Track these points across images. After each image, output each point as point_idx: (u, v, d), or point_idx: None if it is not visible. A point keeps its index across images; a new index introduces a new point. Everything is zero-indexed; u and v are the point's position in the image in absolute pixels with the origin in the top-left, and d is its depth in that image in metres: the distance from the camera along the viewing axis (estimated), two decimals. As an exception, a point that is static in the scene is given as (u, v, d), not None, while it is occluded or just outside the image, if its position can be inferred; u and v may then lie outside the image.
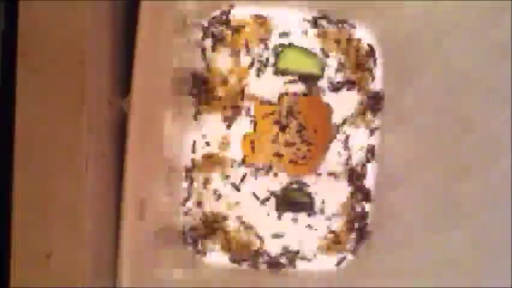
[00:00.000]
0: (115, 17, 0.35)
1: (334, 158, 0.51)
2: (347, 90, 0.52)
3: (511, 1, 0.34)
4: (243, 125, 0.50)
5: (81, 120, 0.30)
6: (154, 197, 0.39)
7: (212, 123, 0.50)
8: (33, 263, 0.30)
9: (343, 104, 0.51)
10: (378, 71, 0.52)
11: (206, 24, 0.50)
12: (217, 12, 0.50)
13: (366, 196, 0.51)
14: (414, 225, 0.44)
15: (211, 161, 0.50)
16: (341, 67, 0.51)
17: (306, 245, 0.51)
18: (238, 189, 0.51)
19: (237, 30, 0.51)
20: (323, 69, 0.51)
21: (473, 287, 0.35)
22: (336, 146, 0.51)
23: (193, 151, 0.50)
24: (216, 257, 0.50)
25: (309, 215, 0.51)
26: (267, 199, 0.51)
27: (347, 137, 0.51)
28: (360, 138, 0.52)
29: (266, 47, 0.51)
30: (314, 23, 0.51)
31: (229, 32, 0.51)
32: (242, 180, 0.51)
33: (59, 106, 0.30)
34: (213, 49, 0.51)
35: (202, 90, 0.50)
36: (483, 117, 0.37)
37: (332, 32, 0.51)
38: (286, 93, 0.51)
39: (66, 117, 0.30)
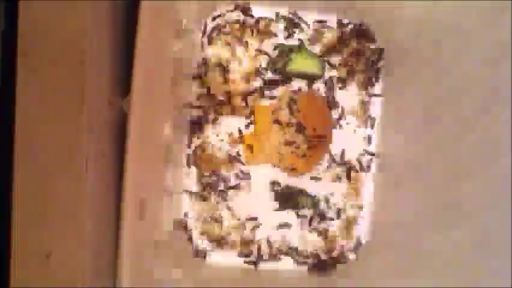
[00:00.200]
0: (115, 17, 0.35)
1: (334, 157, 0.51)
2: (347, 89, 0.52)
3: (511, 1, 0.34)
4: (242, 125, 0.50)
5: (81, 120, 0.30)
6: (154, 197, 0.39)
7: (212, 123, 0.50)
8: (33, 263, 0.30)
9: (343, 103, 0.51)
10: (378, 71, 0.52)
11: (206, 24, 0.50)
12: (217, 12, 0.50)
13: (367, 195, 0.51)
14: (414, 225, 0.44)
15: (211, 160, 0.50)
16: (341, 67, 0.51)
17: (309, 243, 0.51)
18: (238, 189, 0.51)
19: (238, 30, 0.51)
20: (323, 69, 0.51)
21: (473, 287, 0.35)
22: (336, 145, 0.51)
23: (193, 151, 0.50)
24: (217, 257, 0.50)
25: (310, 213, 0.51)
26: (269, 198, 0.51)
27: (347, 137, 0.51)
28: (360, 137, 0.52)
29: (267, 47, 0.51)
30: (315, 23, 0.51)
31: (229, 32, 0.51)
32: (242, 179, 0.51)
33: (59, 106, 0.30)
34: (214, 49, 0.51)
35: (202, 90, 0.50)
36: (483, 117, 0.37)
37: (332, 32, 0.51)
38: (286, 93, 0.51)
39: (66, 117, 0.30)
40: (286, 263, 0.51)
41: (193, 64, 0.50)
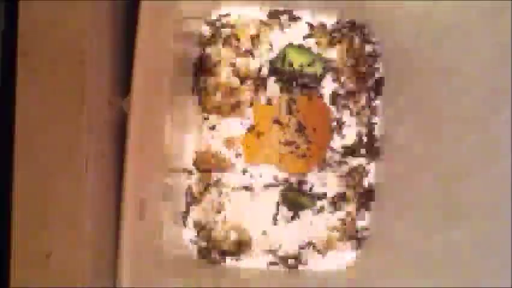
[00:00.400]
0: (115, 17, 0.35)
1: (334, 156, 0.51)
2: (347, 89, 0.52)
3: (511, 1, 0.34)
4: (242, 125, 0.50)
5: (81, 120, 0.30)
6: (154, 197, 0.39)
7: (212, 123, 0.50)
8: (33, 263, 0.30)
9: (343, 103, 0.51)
10: (378, 71, 0.52)
11: (207, 24, 0.50)
12: (217, 12, 0.50)
13: (368, 196, 0.51)
14: (414, 225, 0.44)
15: (211, 160, 0.50)
16: (341, 67, 0.51)
17: (316, 240, 0.51)
18: (238, 189, 0.51)
19: (238, 30, 0.51)
20: (323, 69, 0.51)
21: (473, 287, 0.35)
22: (335, 145, 0.51)
23: (194, 151, 0.50)
24: (218, 257, 0.50)
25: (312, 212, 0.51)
26: (269, 199, 0.51)
27: (347, 136, 0.51)
28: (360, 137, 0.52)
29: (267, 47, 0.51)
30: (315, 23, 0.51)
31: (230, 32, 0.51)
32: (242, 179, 0.51)
33: (59, 106, 0.30)
34: (213, 49, 0.51)
35: (202, 90, 0.50)
36: (483, 117, 0.37)
37: (332, 32, 0.51)
38: (286, 93, 0.51)
39: (66, 117, 0.30)
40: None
41: (193, 64, 0.50)
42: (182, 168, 0.50)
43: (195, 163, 0.50)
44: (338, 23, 0.52)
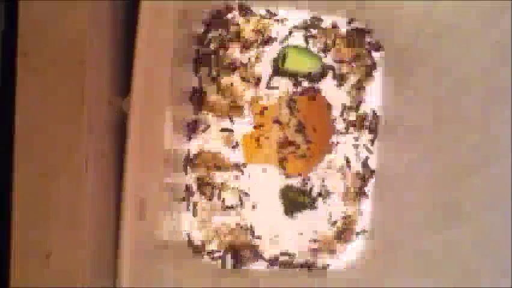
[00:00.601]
0: (115, 17, 0.35)
1: (334, 156, 0.51)
2: (346, 88, 0.52)
3: (511, 1, 0.34)
4: (243, 125, 0.50)
5: (81, 120, 0.30)
6: (154, 197, 0.39)
7: (212, 123, 0.50)
8: (33, 263, 0.30)
9: (342, 102, 0.51)
10: (378, 71, 0.52)
11: (207, 25, 0.50)
12: (217, 12, 0.50)
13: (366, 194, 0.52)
14: (414, 225, 0.44)
15: (211, 161, 0.50)
16: (341, 67, 0.51)
17: (315, 240, 0.51)
18: (238, 189, 0.51)
19: (238, 30, 0.51)
20: (323, 69, 0.51)
21: (473, 287, 0.35)
22: (335, 145, 0.51)
23: (193, 151, 0.50)
24: (218, 257, 0.50)
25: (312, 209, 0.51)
26: (269, 199, 0.51)
27: (347, 136, 0.51)
28: (360, 137, 0.52)
29: (267, 48, 0.51)
30: (315, 23, 0.51)
31: (229, 32, 0.51)
32: (242, 179, 0.51)
33: (59, 106, 0.30)
34: (214, 49, 0.51)
35: (202, 90, 0.50)
36: (483, 117, 0.37)
37: (332, 32, 0.51)
38: (286, 93, 0.51)
39: (66, 117, 0.30)
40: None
41: (193, 63, 0.50)
42: (182, 168, 0.50)
43: (194, 163, 0.50)
44: (337, 22, 0.52)
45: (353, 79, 0.52)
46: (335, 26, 0.51)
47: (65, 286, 0.30)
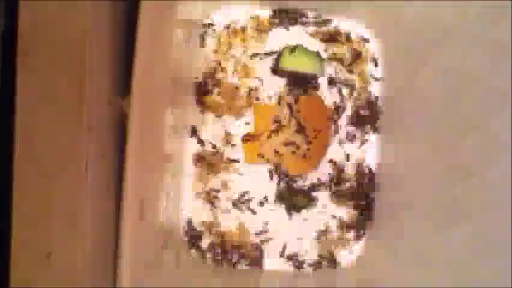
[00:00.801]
0: (115, 17, 0.35)
1: (334, 156, 0.51)
2: (347, 89, 0.52)
3: (511, 1, 0.34)
4: (242, 125, 0.50)
5: (81, 120, 0.30)
6: (154, 197, 0.39)
7: (212, 123, 0.50)
8: (33, 263, 0.30)
9: (343, 103, 0.51)
10: (378, 71, 0.52)
11: (206, 24, 0.50)
12: (217, 12, 0.50)
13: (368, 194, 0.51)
14: (415, 225, 0.44)
15: (211, 160, 0.50)
16: (340, 67, 0.51)
17: (315, 240, 0.51)
18: (238, 189, 0.51)
19: (237, 30, 0.51)
20: (322, 69, 0.51)
21: (473, 287, 0.35)
22: (335, 145, 0.51)
23: (193, 151, 0.50)
24: (218, 257, 0.50)
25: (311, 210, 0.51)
26: (271, 200, 0.51)
27: (347, 136, 0.51)
28: (360, 137, 0.52)
29: (266, 47, 0.51)
30: (314, 23, 0.51)
31: (228, 32, 0.51)
32: (242, 179, 0.51)
33: (59, 106, 0.30)
34: (213, 49, 0.51)
35: (202, 90, 0.50)
36: (483, 117, 0.37)
37: (332, 32, 0.51)
38: (286, 93, 0.51)
39: (66, 117, 0.30)
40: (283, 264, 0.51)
41: (193, 64, 0.50)
42: (182, 167, 0.50)
43: (194, 163, 0.50)
44: (338, 23, 0.52)
45: (353, 79, 0.51)
46: (335, 26, 0.51)
47: (65, 286, 0.30)
